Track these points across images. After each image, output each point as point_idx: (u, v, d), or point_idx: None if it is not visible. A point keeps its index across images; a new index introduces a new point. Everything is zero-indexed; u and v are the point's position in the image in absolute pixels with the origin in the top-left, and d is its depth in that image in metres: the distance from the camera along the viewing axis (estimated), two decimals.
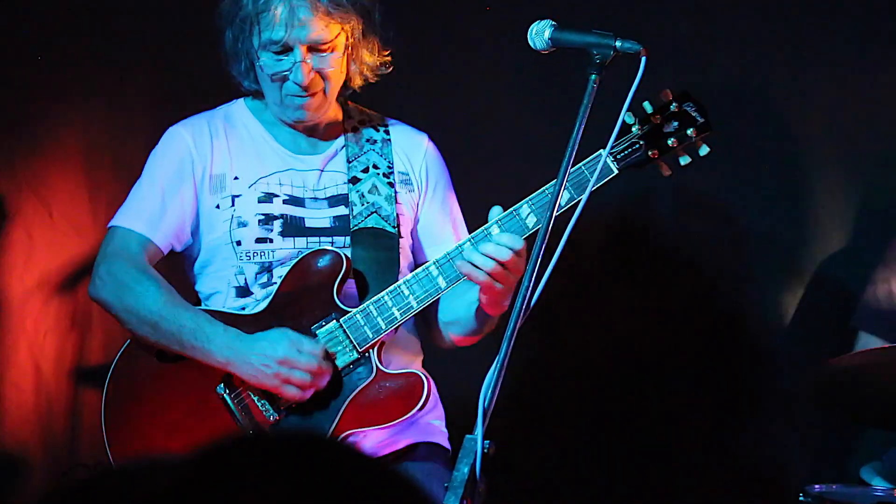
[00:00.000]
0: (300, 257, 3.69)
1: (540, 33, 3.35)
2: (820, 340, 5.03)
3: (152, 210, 3.75)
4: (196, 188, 3.76)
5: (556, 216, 3.09)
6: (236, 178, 3.77)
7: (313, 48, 3.67)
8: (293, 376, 3.57)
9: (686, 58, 4.95)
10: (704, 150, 3.69)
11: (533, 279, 2.99)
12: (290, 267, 3.69)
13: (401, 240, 3.81)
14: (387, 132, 3.91)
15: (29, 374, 4.70)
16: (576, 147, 3.14)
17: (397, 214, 3.81)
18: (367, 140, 3.87)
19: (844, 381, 4.10)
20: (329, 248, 3.70)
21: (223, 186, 3.76)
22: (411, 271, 3.71)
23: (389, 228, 3.78)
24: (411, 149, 3.93)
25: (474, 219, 3.82)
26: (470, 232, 3.73)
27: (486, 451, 2.86)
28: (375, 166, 3.84)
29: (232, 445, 1.50)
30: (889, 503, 4.00)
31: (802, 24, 5.02)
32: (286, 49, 3.66)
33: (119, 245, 3.73)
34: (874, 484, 4.56)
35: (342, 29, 3.70)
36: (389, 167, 3.85)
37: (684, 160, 3.69)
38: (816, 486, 4.15)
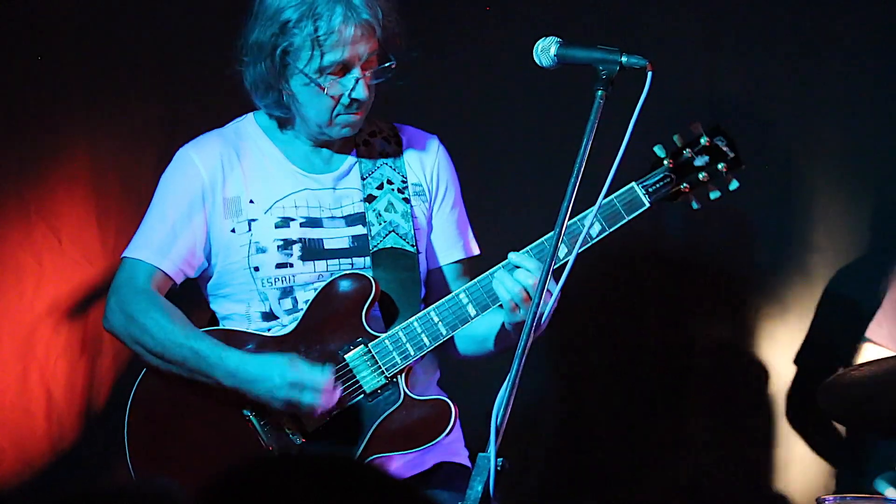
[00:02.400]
0: (328, 281, 3.68)
1: (546, 50, 3.34)
2: (833, 350, 5.02)
3: (161, 239, 3.71)
4: (207, 213, 3.73)
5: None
6: (251, 201, 3.74)
7: (367, 65, 3.66)
8: (302, 399, 3.56)
9: (692, 64, 4.96)
10: (734, 185, 3.71)
11: (542, 297, 3.00)
12: (318, 291, 3.68)
13: (419, 255, 3.81)
14: (398, 143, 3.89)
15: (40, 400, 4.70)
16: (584, 163, 3.14)
17: (414, 230, 3.80)
18: (380, 153, 3.85)
19: (856, 391, 4.11)
20: (357, 272, 3.70)
21: (239, 210, 3.73)
22: (425, 283, 3.73)
23: (409, 248, 3.77)
24: (423, 155, 3.90)
25: (480, 231, 3.84)
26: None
27: (499, 468, 2.85)
28: (390, 181, 3.82)
29: (258, 467, 1.50)
30: None
31: (807, 29, 5.03)
32: (345, 69, 3.64)
33: (128, 277, 3.72)
34: (887, 494, 4.56)
35: (381, 46, 3.69)
36: (403, 181, 3.84)
37: (714, 195, 3.71)
38: (830, 497, 4.15)
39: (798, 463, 5.13)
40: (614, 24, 4.94)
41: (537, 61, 3.37)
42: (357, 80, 3.64)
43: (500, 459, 2.86)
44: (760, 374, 5.12)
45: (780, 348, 5.12)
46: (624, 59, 3.20)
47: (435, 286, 3.84)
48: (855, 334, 4.84)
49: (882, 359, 4.45)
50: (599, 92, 3.20)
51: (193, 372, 3.61)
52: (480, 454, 2.88)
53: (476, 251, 3.93)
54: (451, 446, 3.88)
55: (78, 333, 4.74)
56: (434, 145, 3.93)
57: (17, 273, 4.69)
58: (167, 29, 4.86)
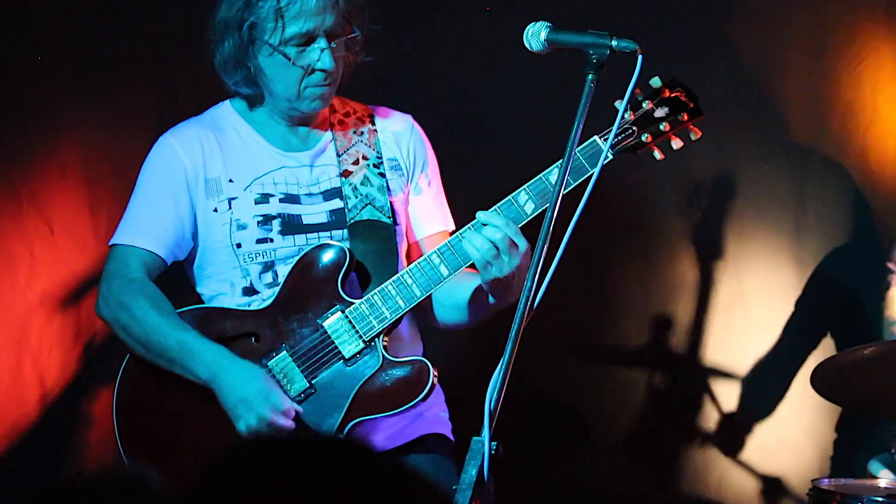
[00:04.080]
0: (303, 253, 3.76)
1: (536, 35, 3.37)
2: (825, 332, 5.03)
3: (149, 224, 3.80)
4: (190, 196, 3.80)
5: (557, 207, 3.11)
6: (231, 180, 3.82)
7: (332, 36, 3.74)
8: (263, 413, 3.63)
9: (683, 51, 4.96)
10: (695, 136, 3.72)
11: (536, 279, 3.01)
12: (293, 263, 3.76)
13: (397, 227, 3.88)
14: (372, 122, 3.96)
15: (34, 390, 4.71)
16: (575, 147, 3.16)
17: (391, 203, 3.87)
18: (354, 132, 3.92)
19: (852, 373, 4.12)
20: (330, 241, 3.78)
21: (219, 190, 3.80)
22: (406, 256, 3.82)
23: (384, 219, 3.84)
24: (398, 133, 3.97)
25: (469, 217, 3.85)
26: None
27: (493, 452, 2.86)
28: (365, 157, 3.89)
29: (242, 449, 1.50)
30: None
31: (797, 16, 5.04)
32: (309, 40, 3.72)
33: (119, 263, 3.79)
34: (882, 476, 4.57)
35: (345, 18, 3.77)
36: (378, 157, 3.91)
37: (676, 144, 3.72)
38: (825, 480, 4.16)
39: (792, 446, 5.14)
40: (604, 8, 4.94)
41: (527, 46, 3.39)
42: (322, 51, 3.72)
43: (493, 443, 2.87)
44: (753, 355, 5.13)
45: (772, 329, 5.13)
46: (614, 42, 3.23)
47: (414, 259, 3.87)
48: (847, 315, 4.85)
49: (879, 343, 4.47)
50: (590, 76, 3.22)
51: (174, 363, 3.68)
52: (474, 438, 2.88)
53: (452, 227, 3.98)
54: (435, 418, 3.95)
55: (71, 322, 4.74)
56: (409, 123, 4.00)
57: (10, 262, 4.69)
58: (159, 17, 4.86)
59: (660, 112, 3.70)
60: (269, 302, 3.76)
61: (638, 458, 5.10)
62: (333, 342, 3.72)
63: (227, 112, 3.92)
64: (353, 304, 3.71)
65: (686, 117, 3.70)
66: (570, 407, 5.15)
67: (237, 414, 3.61)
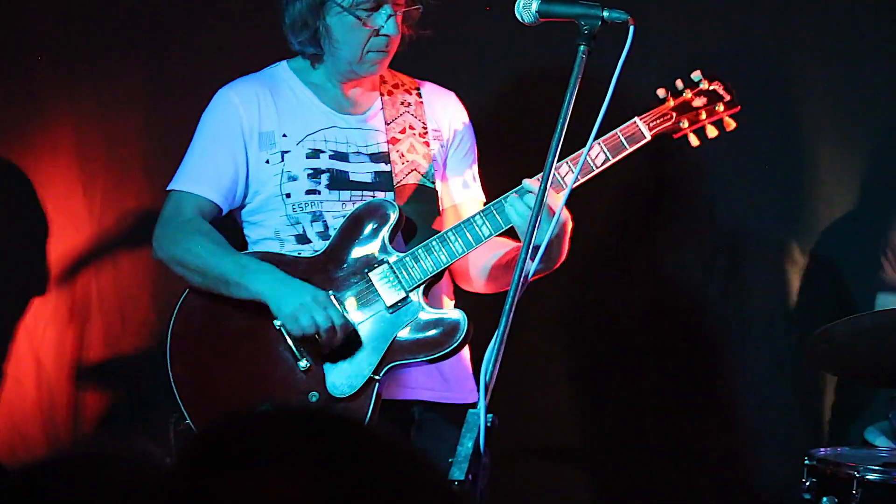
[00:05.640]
0: (357, 207, 3.96)
1: (527, 6, 3.41)
2: (820, 307, 5.03)
3: (206, 171, 3.98)
4: (245, 145, 3.99)
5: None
6: (284, 135, 4.00)
7: (397, 5, 3.93)
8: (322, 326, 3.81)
9: (676, 26, 4.95)
10: (731, 126, 3.98)
11: (530, 251, 3.03)
12: (347, 216, 3.95)
13: (438, 193, 4.09)
14: (419, 94, 4.15)
15: (29, 368, 4.71)
16: (567, 119, 3.17)
17: (433, 170, 4.07)
18: (402, 103, 4.12)
19: (845, 343, 4.12)
20: (384, 199, 3.98)
21: (272, 143, 4.00)
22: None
23: (428, 184, 4.06)
24: (442, 107, 4.17)
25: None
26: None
27: (489, 424, 2.87)
28: (412, 127, 4.10)
29: (228, 424, 1.50)
30: (894, 464, 4.00)
31: None
32: (377, 6, 3.91)
33: (175, 208, 3.98)
34: (879, 445, 4.57)
35: None
36: (424, 128, 4.11)
37: (712, 132, 3.97)
38: (822, 450, 4.15)
39: (790, 415, 5.14)
40: None
41: (519, 17, 3.44)
42: (389, 17, 3.90)
43: (489, 415, 2.88)
44: (750, 325, 5.13)
45: (770, 300, 5.13)
46: (605, 13, 3.27)
47: (448, 225, 4.03)
48: (840, 289, 4.85)
49: (872, 312, 4.48)
50: (582, 47, 3.26)
51: (230, 285, 3.85)
52: (470, 410, 2.91)
53: (484, 199, 4.14)
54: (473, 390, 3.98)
55: (66, 300, 4.75)
56: (453, 99, 4.20)
57: (4, 241, 4.69)
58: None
59: (698, 101, 3.97)
60: (321, 251, 3.94)
61: (631, 425, 5.10)
62: (377, 290, 3.89)
63: (283, 71, 4.10)
64: (398, 256, 3.90)
65: (722, 108, 3.96)
66: (563, 380, 5.16)
67: (295, 316, 3.78)
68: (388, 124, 4.07)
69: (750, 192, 5.13)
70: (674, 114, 3.93)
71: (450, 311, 3.94)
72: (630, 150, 3.87)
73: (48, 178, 4.74)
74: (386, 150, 4.04)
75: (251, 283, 3.83)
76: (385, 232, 3.91)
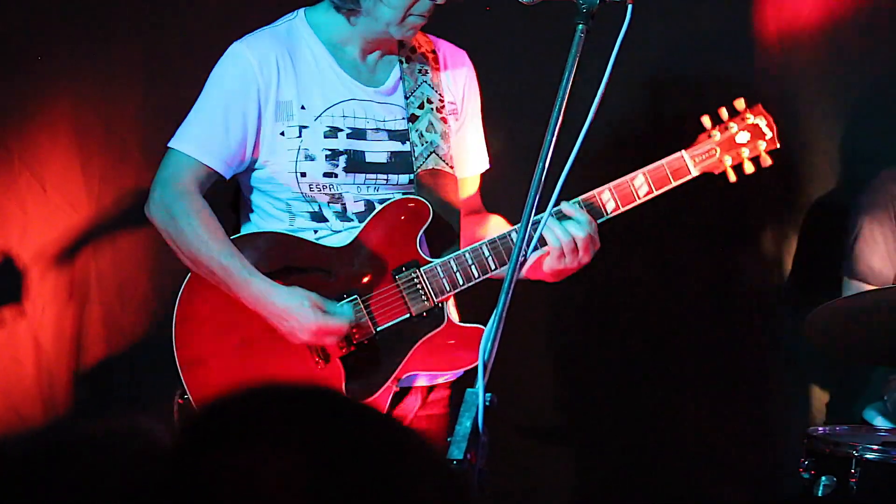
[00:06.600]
0: (387, 202, 3.84)
1: None
2: (817, 286, 5.03)
3: (212, 134, 3.80)
4: (260, 112, 3.81)
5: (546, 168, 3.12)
6: (303, 107, 3.83)
7: None
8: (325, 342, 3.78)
9: (675, 4, 4.95)
10: (767, 163, 3.99)
11: (528, 228, 3.02)
12: (376, 211, 3.83)
13: (457, 179, 3.99)
14: (436, 60, 4.01)
15: (28, 348, 4.70)
16: (565, 100, 3.15)
17: (449, 151, 3.95)
18: (420, 72, 3.96)
19: (843, 321, 4.12)
20: (416, 197, 3.86)
21: (290, 115, 3.82)
22: None
23: (448, 169, 3.93)
24: (457, 72, 4.05)
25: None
26: None
27: (487, 404, 2.87)
28: (430, 100, 3.94)
29: (245, 399, 1.50)
30: (893, 443, 4.00)
31: None
32: None
33: (173, 171, 3.81)
34: (877, 424, 4.58)
35: None
36: (441, 100, 3.97)
37: (749, 168, 3.99)
38: (820, 429, 4.16)
39: (788, 394, 5.15)
40: None
41: None
42: None
43: (488, 395, 2.88)
44: (749, 305, 5.13)
45: (767, 280, 5.13)
46: None
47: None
48: (837, 270, 4.85)
49: (869, 290, 4.47)
50: (580, 26, 3.22)
51: (220, 284, 3.77)
52: (469, 390, 2.90)
53: (488, 165, 4.12)
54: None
55: (65, 281, 4.73)
56: (466, 61, 4.08)
57: (2, 221, 4.68)
58: None
59: (741, 137, 3.96)
60: (347, 241, 3.83)
61: (631, 406, 5.11)
62: (404, 297, 3.82)
63: (301, 26, 3.89)
64: (428, 262, 3.82)
65: (764, 146, 3.98)
66: (565, 362, 5.16)
67: (292, 334, 3.72)
68: (408, 98, 3.93)
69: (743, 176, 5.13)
70: (718, 149, 3.93)
71: (477, 326, 3.79)
72: (674, 184, 3.89)
73: (46, 157, 4.73)
74: (405, 127, 3.91)
75: (238, 292, 3.75)
76: (416, 232, 3.82)
